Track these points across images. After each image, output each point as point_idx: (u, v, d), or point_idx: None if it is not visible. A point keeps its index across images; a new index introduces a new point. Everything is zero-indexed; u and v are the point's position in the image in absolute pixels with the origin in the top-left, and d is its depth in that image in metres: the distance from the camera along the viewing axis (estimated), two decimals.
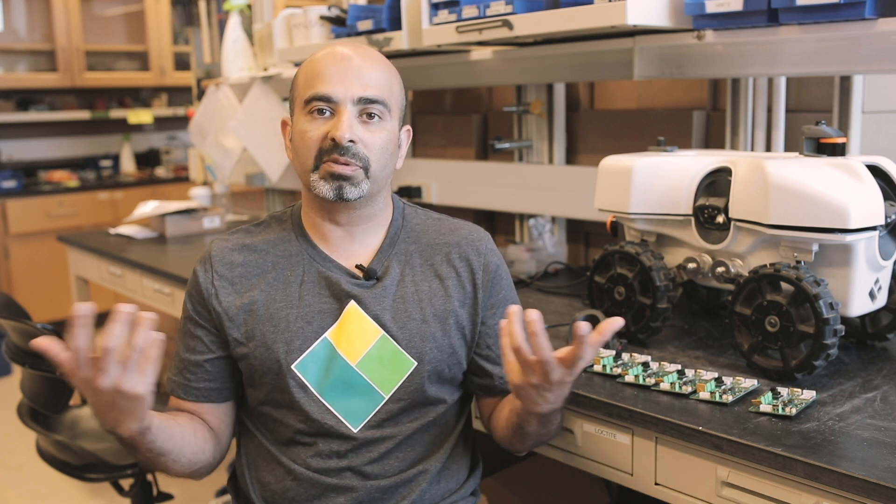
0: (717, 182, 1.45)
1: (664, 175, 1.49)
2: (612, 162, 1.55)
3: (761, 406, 1.17)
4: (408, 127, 1.31)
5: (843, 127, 1.70)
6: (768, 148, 1.85)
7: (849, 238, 1.25)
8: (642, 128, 2.12)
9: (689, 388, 1.25)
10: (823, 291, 1.24)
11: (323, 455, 1.21)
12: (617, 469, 1.30)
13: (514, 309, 1.04)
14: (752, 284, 1.31)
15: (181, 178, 5.20)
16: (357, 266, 1.25)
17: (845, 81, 1.69)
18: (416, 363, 1.22)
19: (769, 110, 1.83)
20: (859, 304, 1.32)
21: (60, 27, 4.92)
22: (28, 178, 5.09)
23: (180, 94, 5.59)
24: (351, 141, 1.17)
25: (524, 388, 1.07)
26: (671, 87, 2.13)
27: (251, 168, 3.21)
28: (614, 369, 1.35)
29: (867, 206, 1.25)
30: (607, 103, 2.29)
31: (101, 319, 0.99)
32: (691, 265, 1.48)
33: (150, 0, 5.25)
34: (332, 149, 1.17)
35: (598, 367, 1.37)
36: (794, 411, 1.15)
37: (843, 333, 1.27)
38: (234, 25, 3.12)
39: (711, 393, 1.22)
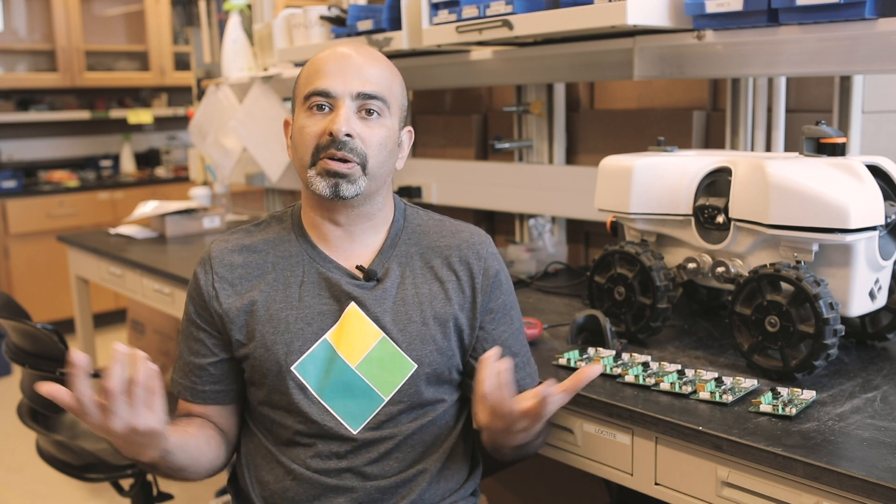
0: (717, 182, 1.45)
1: (664, 175, 1.49)
2: (612, 162, 1.55)
3: (761, 406, 1.17)
4: (409, 128, 1.30)
5: (843, 127, 1.70)
6: (768, 148, 1.85)
7: (849, 238, 1.25)
8: (642, 128, 2.12)
9: (689, 388, 1.25)
10: (823, 291, 1.24)
11: (322, 455, 1.21)
12: (617, 469, 1.30)
13: (490, 354, 1.05)
14: (752, 284, 1.31)
15: (181, 178, 5.20)
16: (357, 267, 1.25)
17: (845, 81, 1.69)
18: (416, 366, 1.22)
19: (769, 110, 1.83)
20: (859, 304, 1.32)
21: (60, 27, 4.93)
22: (28, 178, 5.09)
23: (180, 94, 5.59)
24: (348, 135, 1.17)
25: (491, 428, 1.10)
26: (671, 87, 2.13)
27: (251, 168, 3.21)
28: (614, 369, 1.35)
29: (867, 206, 1.25)
30: (607, 103, 2.29)
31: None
32: (691, 265, 1.48)
33: (150, 0, 5.25)
34: (329, 144, 1.17)
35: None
36: (794, 411, 1.15)
37: (843, 333, 1.27)
38: (234, 25, 3.12)
39: (711, 393, 1.22)
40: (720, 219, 1.41)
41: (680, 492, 1.21)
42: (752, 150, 1.86)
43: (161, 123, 5.67)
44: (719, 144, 2.00)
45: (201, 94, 3.46)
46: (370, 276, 1.24)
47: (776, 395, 1.21)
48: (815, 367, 1.26)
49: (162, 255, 2.63)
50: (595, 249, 2.28)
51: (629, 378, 1.31)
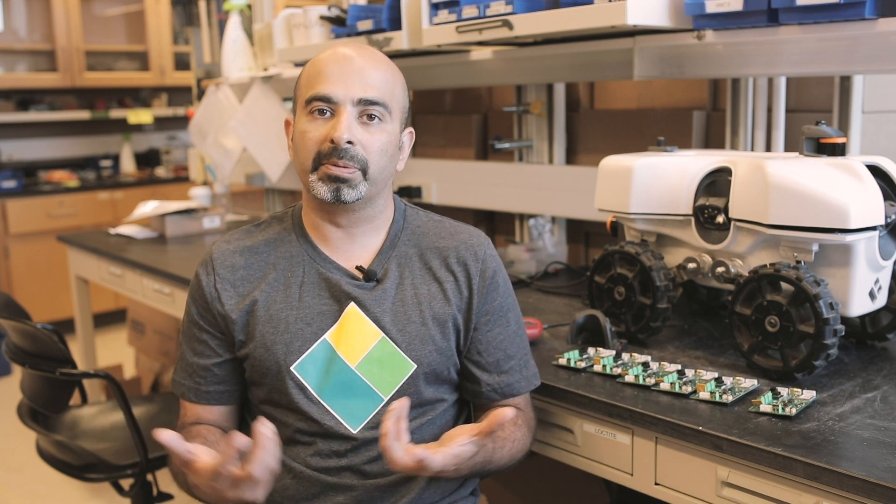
0: (717, 182, 1.45)
1: (664, 175, 1.49)
2: (612, 162, 1.55)
3: (761, 406, 1.17)
4: (410, 129, 1.30)
5: (843, 127, 1.70)
6: (768, 148, 1.85)
7: (849, 238, 1.25)
8: (642, 128, 2.12)
9: (689, 388, 1.25)
10: (823, 291, 1.24)
11: (322, 454, 1.21)
12: (617, 469, 1.30)
13: (395, 405, 1.04)
14: (752, 284, 1.31)
15: (181, 178, 5.20)
16: (357, 267, 1.25)
17: (845, 81, 1.69)
18: (415, 366, 1.22)
19: (769, 110, 1.83)
20: (859, 304, 1.32)
21: (60, 27, 4.93)
22: (28, 178, 5.09)
23: (180, 94, 5.59)
24: (349, 142, 1.17)
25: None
26: (671, 87, 2.13)
27: (251, 168, 3.21)
28: (614, 369, 1.35)
29: (867, 206, 1.25)
30: (607, 103, 2.29)
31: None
32: (691, 265, 1.48)
33: (150, 0, 5.25)
34: (330, 152, 1.17)
35: (598, 367, 1.37)
36: (794, 411, 1.15)
37: (843, 333, 1.27)
38: (234, 25, 3.12)
39: (711, 393, 1.22)
40: (720, 219, 1.41)
41: (680, 492, 1.21)
42: (752, 150, 1.86)
43: (161, 123, 5.67)
44: (719, 144, 2.00)
45: (201, 94, 3.46)
46: (370, 276, 1.24)
47: (776, 395, 1.21)
48: (815, 367, 1.26)
49: (162, 255, 2.63)
50: (595, 249, 2.28)
51: (629, 378, 1.31)
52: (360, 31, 2.17)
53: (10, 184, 4.71)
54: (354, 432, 1.21)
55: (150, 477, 1.96)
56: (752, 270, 1.31)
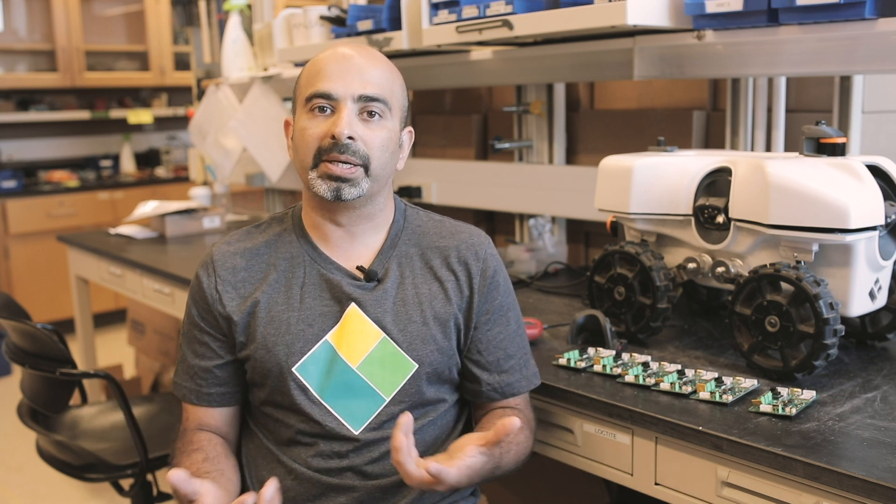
0: (717, 182, 1.45)
1: (664, 175, 1.49)
2: (612, 162, 1.55)
3: (761, 406, 1.17)
4: (410, 128, 1.30)
5: (843, 127, 1.70)
6: (768, 148, 1.85)
7: (849, 238, 1.25)
8: (642, 128, 2.12)
9: (689, 388, 1.25)
10: (823, 291, 1.24)
11: (324, 455, 1.21)
12: (617, 469, 1.30)
13: (401, 420, 1.04)
14: (752, 284, 1.31)
15: (181, 178, 5.20)
16: (358, 267, 1.25)
17: (845, 81, 1.69)
18: (416, 366, 1.22)
19: (769, 110, 1.83)
20: (859, 304, 1.32)
21: (60, 27, 4.93)
22: (28, 178, 5.09)
23: (180, 94, 5.59)
24: (350, 138, 1.17)
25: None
26: (671, 87, 2.13)
27: (251, 168, 3.21)
28: (614, 369, 1.35)
29: (867, 206, 1.25)
30: (607, 103, 2.29)
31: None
32: (691, 265, 1.48)
33: (150, 0, 5.25)
34: (331, 147, 1.17)
35: (598, 367, 1.37)
36: (794, 411, 1.15)
37: (843, 333, 1.27)
38: (234, 25, 3.12)
39: (711, 393, 1.22)
40: (720, 219, 1.41)
41: (680, 492, 1.21)
42: (752, 150, 1.86)
43: (161, 123, 5.67)
44: (719, 144, 2.00)
45: (201, 94, 3.46)
46: (371, 276, 1.24)
47: (776, 395, 1.21)
48: (815, 367, 1.26)
49: (162, 255, 2.63)
50: (595, 249, 2.28)
51: (629, 378, 1.31)
52: (360, 31, 2.17)
53: (10, 184, 4.71)
54: (356, 433, 1.21)
55: (150, 477, 1.96)
56: (752, 270, 1.31)
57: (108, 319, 4.80)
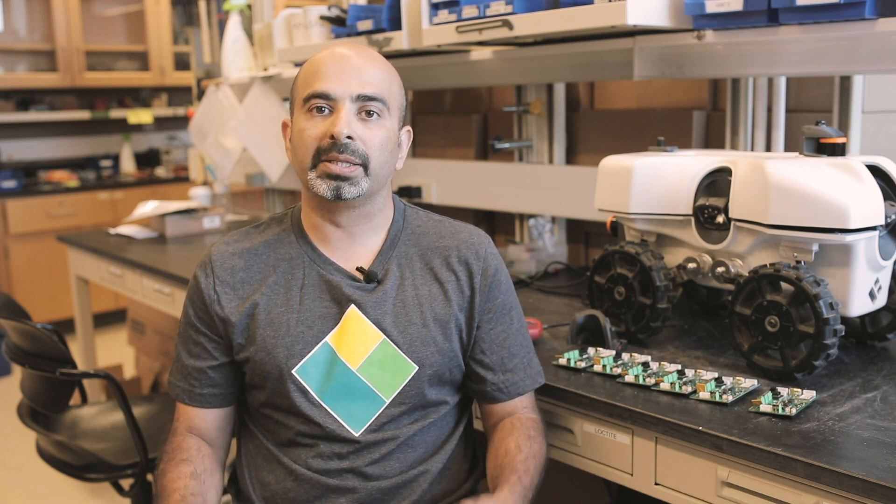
0: (717, 182, 1.45)
1: (664, 175, 1.49)
2: (612, 162, 1.55)
3: (761, 406, 1.17)
4: (408, 128, 1.30)
5: (843, 127, 1.70)
6: (768, 148, 1.85)
7: (849, 238, 1.25)
8: (642, 128, 2.12)
9: (689, 388, 1.25)
10: (823, 291, 1.24)
11: (324, 456, 1.21)
12: (617, 469, 1.30)
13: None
14: (752, 284, 1.31)
15: (181, 178, 5.20)
16: (357, 268, 1.25)
17: (845, 81, 1.69)
18: (416, 367, 1.22)
19: (769, 110, 1.83)
20: (859, 304, 1.32)
21: (60, 27, 4.93)
22: (28, 178, 5.09)
23: (180, 94, 5.59)
24: (349, 137, 1.17)
25: None
26: (671, 87, 2.13)
27: (251, 168, 3.22)
28: (614, 369, 1.35)
29: (867, 206, 1.25)
30: (607, 103, 2.29)
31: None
32: (691, 265, 1.48)
33: (150, 0, 5.25)
34: (330, 147, 1.17)
35: (598, 367, 1.37)
36: (794, 411, 1.15)
37: (843, 333, 1.27)
38: (234, 25, 3.12)
39: (711, 393, 1.22)
40: (720, 219, 1.41)
41: (680, 492, 1.21)
42: (752, 150, 1.86)
43: (161, 123, 5.67)
44: (719, 144, 2.00)
45: (201, 94, 3.46)
46: (370, 277, 1.24)
47: (776, 395, 1.21)
48: (815, 367, 1.26)
49: (162, 255, 2.63)
50: (595, 249, 2.28)
51: (629, 378, 1.31)
52: (360, 31, 2.17)
53: (10, 184, 4.71)
54: (356, 435, 1.20)
55: (150, 477, 1.96)
56: (752, 270, 1.31)
57: (108, 319, 4.80)
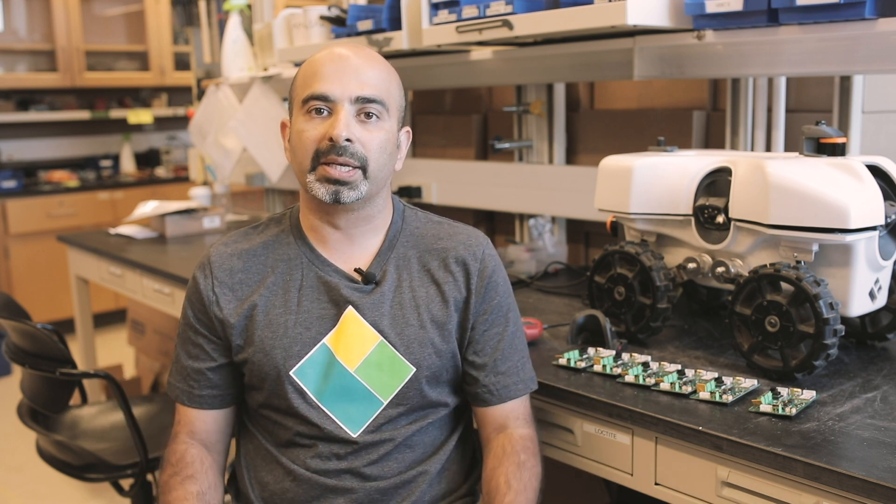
0: (717, 182, 1.45)
1: (664, 175, 1.49)
2: (612, 162, 1.55)
3: (761, 406, 1.17)
4: (407, 128, 1.30)
5: (843, 127, 1.70)
6: (768, 148, 1.85)
7: (849, 238, 1.25)
8: (642, 128, 2.12)
9: (689, 388, 1.25)
10: (823, 291, 1.24)
11: (322, 457, 1.21)
12: (617, 469, 1.30)
13: None
14: (752, 284, 1.31)
15: (181, 178, 5.20)
16: (356, 270, 1.25)
17: (845, 81, 1.69)
18: (414, 369, 1.22)
19: (769, 110, 1.83)
20: (859, 304, 1.32)
21: (60, 27, 4.92)
22: (28, 178, 5.09)
23: (180, 94, 5.59)
24: (348, 140, 1.16)
25: None
26: (671, 87, 2.13)
27: (251, 168, 3.22)
28: (614, 369, 1.35)
29: (867, 206, 1.25)
30: (607, 103, 2.29)
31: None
32: (691, 265, 1.48)
33: (150, 0, 5.25)
34: (329, 149, 1.16)
35: (598, 367, 1.37)
36: (794, 411, 1.15)
37: (843, 333, 1.27)
38: (234, 25, 3.12)
39: (711, 393, 1.22)
40: (720, 219, 1.41)
41: (680, 492, 1.21)
42: (752, 150, 1.86)
43: (161, 123, 5.67)
44: (719, 144, 2.00)
45: (201, 94, 3.46)
46: (369, 279, 1.24)
47: (776, 395, 1.21)
48: (815, 367, 1.26)
49: (162, 255, 2.63)
50: (595, 249, 2.28)
51: (629, 378, 1.31)
52: (360, 31, 2.17)
53: (10, 184, 4.71)
54: (354, 436, 1.20)
55: (150, 477, 1.96)
56: (752, 270, 1.31)
57: (108, 319, 4.80)
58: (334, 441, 1.20)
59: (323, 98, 1.17)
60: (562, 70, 2.06)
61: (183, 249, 2.71)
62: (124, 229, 3.05)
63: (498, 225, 2.55)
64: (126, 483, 2.00)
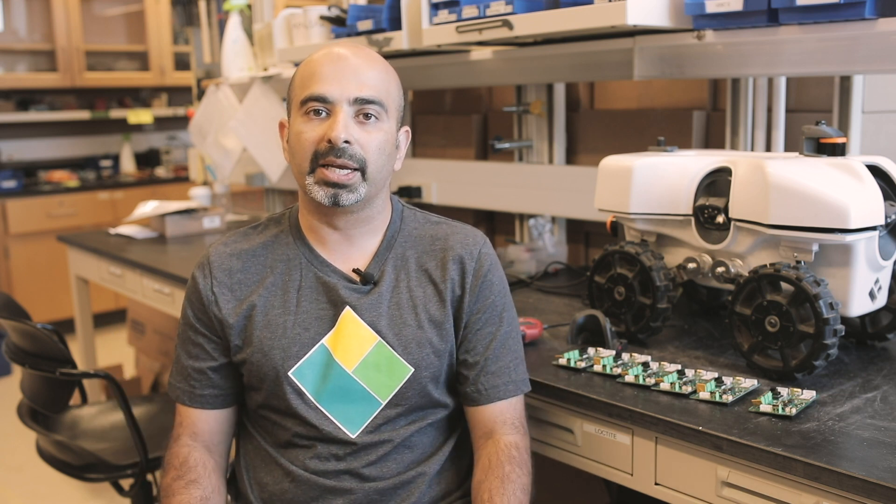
0: (717, 182, 1.45)
1: (664, 175, 1.49)
2: (612, 162, 1.55)
3: (761, 406, 1.17)
4: (406, 128, 1.29)
5: (843, 127, 1.70)
6: (768, 148, 1.85)
7: (849, 238, 1.25)
8: (642, 128, 2.12)
9: (689, 388, 1.25)
10: (823, 291, 1.23)
11: (321, 457, 1.21)
12: (617, 469, 1.30)
13: None
14: (752, 284, 1.31)
15: (181, 178, 5.20)
16: (354, 270, 1.25)
17: (845, 81, 1.69)
18: (412, 369, 1.22)
19: (769, 110, 1.83)
20: (859, 304, 1.32)
21: (60, 27, 4.93)
22: (28, 178, 5.09)
23: (180, 94, 5.59)
24: (347, 142, 1.16)
25: None
26: (671, 87, 2.13)
27: (251, 168, 3.21)
28: (614, 369, 1.35)
29: (867, 206, 1.25)
30: (607, 103, 2.29)
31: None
32: (691, 265, 1.48)
33: (150, 0, 5.25)
34: (328, 151, 1.16)
35: (598, 367, 1.37)
36: (794, 411, 1.15)
37: (843, 333, 1.27)
38: (234, 25, 3.12)
39: (711, 393, 1.22)
40: (720, 219, 1.41)
41: (680, 492, 1.21)
42: (752, 150, 1.86)
43: (161, 123, 5.67)
44: (719, 144, 2.00)
45: (201, 94, 3.46)
46: (367, 279, 1.24)
47: (776, 395, 1.21)
48: (815, 367, 1.26)
49: (162, 255, 2.63)
50: (595, 249, 2.28)
51: (629, 378, 1.31)
52: (360, 31, 2.17)
53: (10, 184, 4.71)
54: (353, 437, 1.20)
55: (150, 477, 1.96)
56: (752, 270, 1.31)
57: (108, 319, 4.80)
58: (333, 442, 1.20)
59: (321, 99, 1.17)
60: (562, 70, 2.06)
61: (183, 249, 2.71)
62: (124, 229, 3.05)
63: (498, 225, 2.55)
64: (126, 483, 2.00)
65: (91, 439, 2.04)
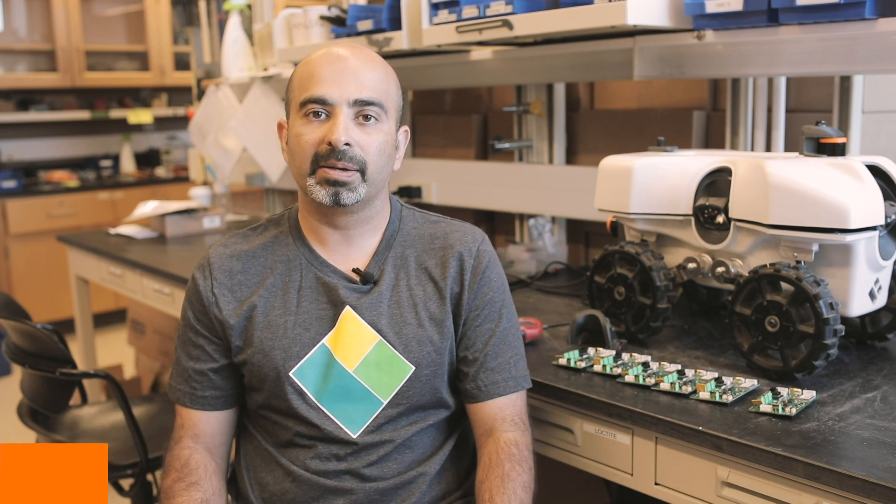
0: (717, 182, 1.45)
1: (664, 175, 1.49)
2: (612, 162, 1.55)
3: (761, 406, 1.17)
4: (405, 128, 1.29)
5: (843, 127, 1.70)
6: (768, 148, 1.85)
7: (849, 238, 1.25)
8: (642, 128, 2.12)
9: (689, 388, 1.25)
10: (823, 291, 1.23)
11: (322, 457, 1.21)
12: (617, 469, 1.30)
13: None
14: (752, 284, 1.31)
15: (181, 178, 5.20)
16: (354, 270, 1.25)
17: (845, 81, 1.69)
18: (413, 368, 1.22)
19: (769, 110, 1.83)
20: (859, 304, 1.32)
21: (60, 27, 4.93)
22: (28, 178, 5.09)
23: (180, 94, 5.59)
24: (347, 144, 1.16)
25: None
26: (671, 87, 2.13)
27: (251, 168, 3.21)
28: (614, 369, 1.35)
29: (867, 206, 1.25)
30: (607, 103, 2.29)
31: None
32: (691, 265, 1.48)
33: (150, 0, 5.25)
34: (328, 154, 1.16)
35: (598, 367, 1.37)
36: (794, 411, 1.15)
37: (843, 333, 1.27)
38: (234, 25, 3.12)
39: (711, 393, 1.22)
40: (720, 219, 1.41)
41: (680, 492, 1.21)
42: (752, 150, 1.86)
43: (161, 123, 5.67)
44: (719, 144, 2.00)
45: (201, 94, 3.46)
46: (367, 278, 1.24)
47: (776, 395, 1.21)
48: (815, 367, 1.26)
49: (162, 255, 2.63)
50: (595, 249, 2.28)
51: (629, 378, 1.31)
52: (360, 31, 2.17)
53: (10, 184, 4.71)
54: (354, 437, 1.20)
55: (150, 477, 1.96)
56: (752, 270, 1.31)
57: (108, 319, 4.80)
58: (334, 442, 1.20)
59: (321, 101, 1.17)
60: (562, 70, 2.06)
61: (183, 249, 2.71)
62: (124, 229, 3.05)
63: (498, 225, 2.55)
64: (126, 483, 2.00)
65: (91, 439, 2.04)
